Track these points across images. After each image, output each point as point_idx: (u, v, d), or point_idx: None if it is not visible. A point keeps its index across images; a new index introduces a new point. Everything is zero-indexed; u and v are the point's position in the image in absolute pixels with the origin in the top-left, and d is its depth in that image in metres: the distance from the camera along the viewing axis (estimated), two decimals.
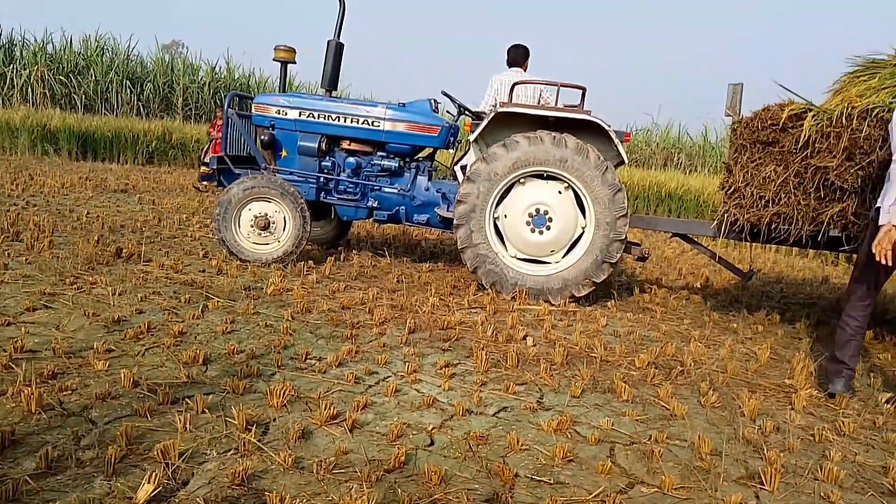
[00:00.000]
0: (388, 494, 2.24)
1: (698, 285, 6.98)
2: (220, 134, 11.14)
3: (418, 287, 5.56)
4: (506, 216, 5.55)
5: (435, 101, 6.52)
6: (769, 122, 4.75)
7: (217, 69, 24.64)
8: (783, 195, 4.72)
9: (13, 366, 2.96)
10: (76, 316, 3.82)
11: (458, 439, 2.76)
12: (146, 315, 3.98)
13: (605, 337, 4.58)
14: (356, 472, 2.37)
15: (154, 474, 2.09)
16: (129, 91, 22.50)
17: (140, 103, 22.43)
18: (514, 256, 5.58)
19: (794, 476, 2.73)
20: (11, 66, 22.03)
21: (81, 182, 10.61)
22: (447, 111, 6.75)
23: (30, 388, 2.65)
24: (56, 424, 2.49)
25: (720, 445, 2.94)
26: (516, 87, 6.12)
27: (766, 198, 4.77)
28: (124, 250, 5.57)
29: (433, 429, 2.84)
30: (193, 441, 2.45)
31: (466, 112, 6.53)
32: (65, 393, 2.75)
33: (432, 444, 2.71)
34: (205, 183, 11.37)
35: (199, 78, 24.21)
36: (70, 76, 22.26)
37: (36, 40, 23.12)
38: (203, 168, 11.65)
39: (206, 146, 12.10)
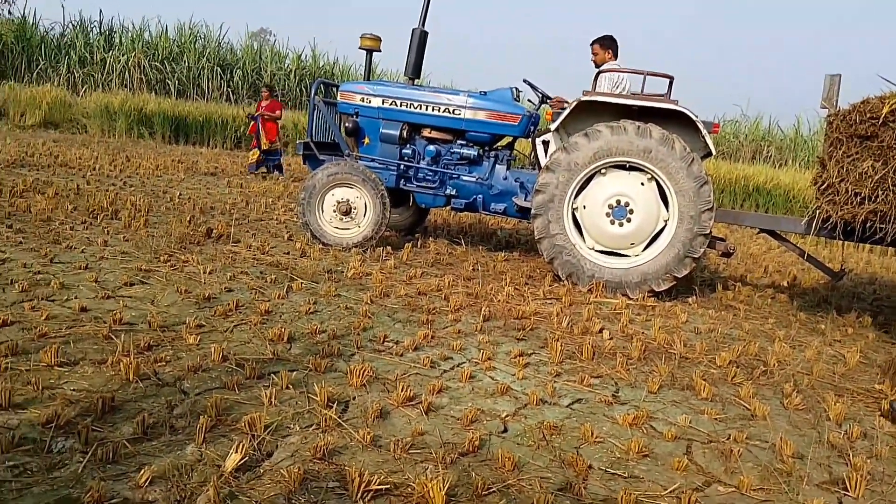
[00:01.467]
0: (463, 477, 2.27)
1: (785, 284, 6.71)
2: (260, 113, 11.39)
3: (493, 276, 5.58)
4: (585, 207, 5.49)
5: (517, 89, 6.50)
6: (868, 115, 4.50)
7: (303, 57, 25.25)
8: (881, 192, 4.48)
9: (113, 336, 3.16)
10: (170, 292, 4.03)
11: (531, 428, 2.77)
12: (235, 293, 4.16)
13: (684, 333, 4.48)
14: (431, 453, 2.42)
15: (241, 445, 2.19)
16: (219, 77, 23.34)
17: (230, 89, 23.26)
18: (592, 248, 5.52)
19: (880, 484, 2.61)
20: (111, 52, 23.24)
21: (174, 164, 11.11)
22: (528, 100, 6.71)
23: (128, 359, 2.82)
24: (151, 393, 2.65)
25: (803, 448, 2.84)
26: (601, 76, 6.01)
27: (863, 194, 4.53)
28: (214, 231, 5.82)
29: (507, 416, 2.86)
30: (278, 415, 2.55)
31: (548, 100, 6.47)
32: (159, 364, 2.92)
33: (506, 430, 2.74)
34: (261, 171, 11.52)
35: (286, 65, 24.88)
36: (165, 62, 23.29)
37: (134, 27, 24.29)
38: (253, 157, 11.61)
39: (251, 129, 12.02)
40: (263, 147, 11.57)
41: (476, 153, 6.31)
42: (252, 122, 11.87)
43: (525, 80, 6.57)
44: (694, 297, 5.57)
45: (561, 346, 3.76)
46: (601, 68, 6.09)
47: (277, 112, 11.80)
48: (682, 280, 5.41)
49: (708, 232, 5.24)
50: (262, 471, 2.18)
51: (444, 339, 3.80)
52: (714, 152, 5.63)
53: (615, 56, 6.29)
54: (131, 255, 4.80)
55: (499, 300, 4.73)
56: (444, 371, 3.32)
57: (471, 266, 5.77)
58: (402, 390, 2.87)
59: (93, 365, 2.83)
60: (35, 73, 22.36)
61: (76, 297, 3.69)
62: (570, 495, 2.27)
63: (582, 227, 5.53)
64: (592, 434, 2.72)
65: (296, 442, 2.39)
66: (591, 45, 6.35)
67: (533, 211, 5.55)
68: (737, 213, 6.40)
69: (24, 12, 24.59)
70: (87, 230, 5.41)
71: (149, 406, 2.52)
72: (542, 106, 6.60)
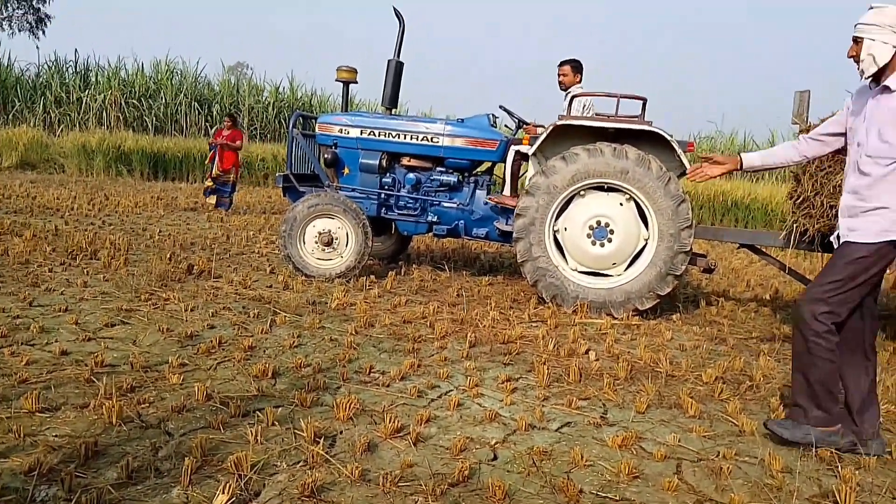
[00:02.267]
0: None
1: (767, 297, 6.77)
2: (218, 141, 10.99)
3: (478, 301, 5.58)
4: (566, 229, 5.52)
5: (493, 115, 6.57)
6: None
7: (281, 89, 25.35)
8: None
9: (94, 379, 3.11)
10: (151, 331, 3.99)
11: (521, 454, 2.76)
12: (217, 330, 4.13)
13: (670, 351, 4.50)
14: (421, 485, 2.40)
15: (228, 485, 2.16)
16: (197, 113, 23.35)
17: (207, 124, 23.25)
18: (575, 269, 5.55)
19: (870, 495, 2.62)
20: (87, 91, 23.19)
21: (153, 201, 11.06)
22: (505, 125, 6.78)
23: (110, 402, 2.78)
24: (135, 436, 2.61)
25: (792, 463, 2.85)
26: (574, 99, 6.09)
27: (837, 207, 4.60)
28: (195, 267, 5.79)
29: (496, 443, 2.85)
30: (264, 453, 2.52)
31: (524, 125, 6.55)
32: (143, 406, 2.88)
33: (495, 458, 2.72)
34: (208, 200, 11.02)
35: (264, 98, 24.96)
36: (142, 99, 23.27)
37: (110, 65, 24.27)
38: (209, 182, 11.06)
39: (210, 158, 11.22)
40: (214, 174, 10.87)
41: (456, 179, 6.35)
42: (210, 152, 11.18)
43: (501, 107, 6.65)
44: (678, 315, 5.61)
45: (548, 369, 3.76)
46: (572, 92, 6.19)
47: (238, 142, 11.18)
48: (666, 297, 5.44)
49: (688, 249, 5.29)
50: None
51: (430, 367, 3.78)
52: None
53: (581, 80, 6.40)
54: (112, 295, 4.75)
55: (484, 325, 4.73)
56: (432, 400, 3.30)
57: (455, 292, 5.77)
58: (389, 422, 2.85)
59: (75, 409, 2.79)
60: (11, 115, 22.24)
61: (56, 341, 3.64)
62: None
63: (564, 248, 5.56)
64: (582, 458, 2.71)
65: (283, 480, 2.36)
66: (561, 65, 6.43)
67: (515, 235, 5.58)
68: (716, 230, 6.48)
69: None
70: (66, 271, 5.36)
71: (133, 449, 2.48)
72: (519, 131, 6.67)
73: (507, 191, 6.21)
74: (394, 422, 2.86)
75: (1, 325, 3.76)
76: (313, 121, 6.98)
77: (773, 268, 7.68)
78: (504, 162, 6.47)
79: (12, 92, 23.35)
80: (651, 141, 5.49)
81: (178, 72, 24.84)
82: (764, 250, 5.82)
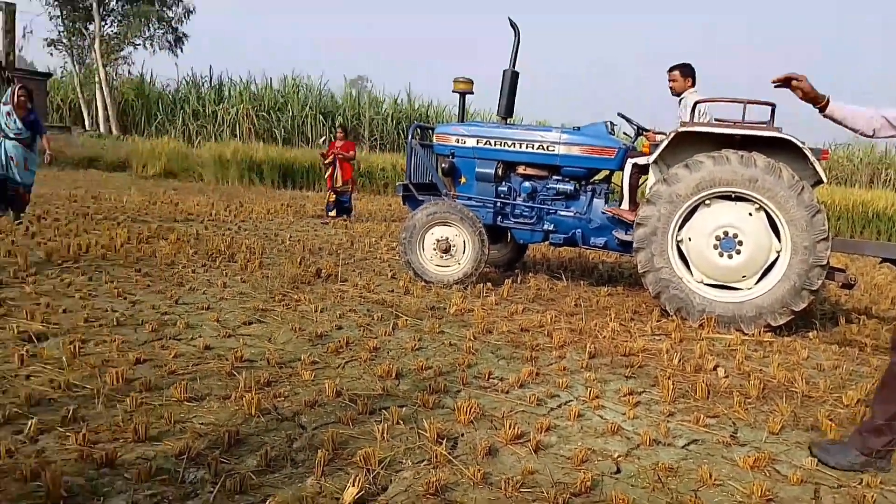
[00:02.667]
0: None
1: None
2: (337, 154, 11.02)
3: (597, 311, 5.50)
4: (690, 239, 5.34)
5: (611, 123, 6.46)
6: None
7: (399, 101, 26.07)
8: None
9: (235, 373, 3.33)
10: (285, 330, 4.22)
11: (645, 469, 2.70)
12: (344, 331, 4.31)
13: (806, 370, 4.25)
14: (543, 492, 2.40)
15: (357, 478, 2.26)
16: (321, 124, 24.43)
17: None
18: (701, 281, 5.35)
19: None
20: (221, 104, 24.83)
21: (283, 208, 11.66)
22: (624, 132, 6.65)
23: (249, 394, 2.98)
24: (272, 427, 2.77)
25: None
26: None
27: None
28: (323, 271, 6.06)
29: (619, 456, 2.80)
30: (391, 450, 2.61)
31: (644, 132, 6.40)
32: (278, 399, 3.06)
33: (618, 471, 2.68)
34: (331, 214, 11.06)
35: (384, 110, 25.75)
36: (270, 112, 24.64)
37: (241, 80, 25.87)
38: (331, 198, 11.11)
39: (329, 174, 11.24)
40: (336, 186, 11.04)
41: (573, 188, 6.30)
42: (330, 168, 11.15)
43: (620, 114, 6.53)
44: (815, 332, 5.28)
45: (673, 384, 3.66)
46: (686, 97, 5.97)
47: (351, 152, 11.42)
48: (801, 314, 5.14)
49: (825, 263, 4.97)
50: None
51: (549, 376, 3.77)
52: (825, 179, 5.38)
53: (693, 83, 6.14)
54: (248, 295, 5.06)
55: (604, 336, 4.66)
56: (552, 409, 3.29)
57: (573, 301, 5.71)
58: (509, 428, 2.88)
59: (218, 400, 3.00)
60: (154, 127, 24.18)
61: (200, 336, 3.92)
62: None
63: (688, 259, 5.38)
64: (711, 476, 2.62)
65: (409, 477, 2.44)
66: (670, 70, 6.21)
67: (635, 244, 5.46)
68: (857, 243, 6.06)
69: (142, 71, 26.73)
70: (207, 273, 5.76)
71: (270, 440, 2.64)
72: (638, 138, 6.53)
73: (625, 204, 6.08)
74: (514, 428, 2.88)
75: (152, 321, 4.09)
76: (431, 131, 7.14)
77: None
78: (622, 170, 6.36)
79: (155, 106, 25.41)
80: (781, 149, 5.21)
81: (304, 86, 26.10)
82: None
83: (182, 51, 26.94)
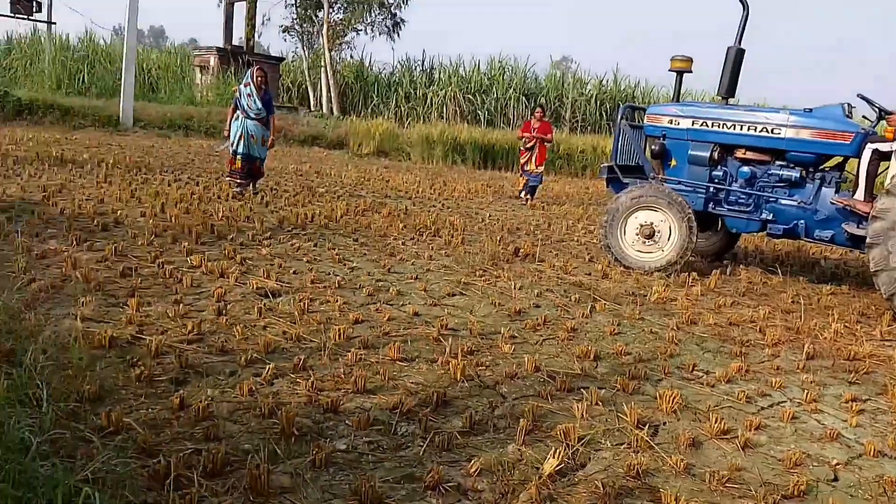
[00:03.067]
0: None
1: None
2: (537, 136, 10.65)
3: (817, 310, 5.05)
4: None
5: (849, 105, 5.83)
6: None
7: (604, 82, 25.48)
8: None
9: (441, 339, 3.53)
10: (485, 304, 4.38)
11: (868, 481, 2.48)
12: (542, 309, 4.37)
13: None
14: (750, 490, 2.30)
15: (557, 452, 2.31)
16: (524, 106, 24.60)
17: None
18: None
19: None
20: (431, 87, 25.86)
21: (483, 188, 11.97)
22: (864, 116, 5.98)
23: (454, 360, 3.14)
24: (475, 393, 2.91)
25: None
26: None
27: None
28: (521, 250, 6.16)
29: (837, 464, 2.59)
30: (590, 429, 2.64)
31: (887, 115, 5.70)
32: (480, 367, 3.20)
33: (836, 479, 2.48)
34: (525, 196, 10.85)
35: (587, 91, 25.32)
36: (476, 94, 25.25)
37: (451, 63, 26.73)
38: (523, 180, 10.97)
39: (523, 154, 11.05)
40: (528, 169, 10.83)
41: (798, 175, 5.79)
42: (527, 150, 10.86)
43: (860, 95, 5.87)
44: None
45: None
46: None
47: (549, 135, 11.06)
48: None
49: None
50: (576, 479, 2.27)
51: (760, 373, 3.56)
52: None
53: None
54: (451, 268, 5.30)
55: (825, 338, 4.28)
56: (762, 408, 3.11)
57: (790, 298, 5.30)
58: (714, 422, 2.77)
59: (426, 362, 3.20)
60: (370, 109, 25.81)
61: (409, 303, 4.19)
62: None
63: None
64: None
65: (608, 457, 2.45)
66: None
67: (869, 240, 4.92)
68: None
69: (361, 56, 28.57)
70: (415, 245, 6.10)
71: (473, 404, 2.78)
72: (880, 122, 5.83)
73: (859, 194, 5.47)
74: (720, 423, 2.77)
75: (368, 286, 4.44)
76: (641, 112, 6.92)
77: None
78: (858, 158, 5.73)
79: (371, 89, 27.08)
80: None
81: (510, 68, 26.38)
82: None
83: (399, 36, 28.39)
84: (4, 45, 23.90)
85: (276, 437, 2.31)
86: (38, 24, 23.11)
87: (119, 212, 5.88)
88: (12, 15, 22.05)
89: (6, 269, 3.80)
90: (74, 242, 4.62)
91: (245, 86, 8.29)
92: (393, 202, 8.83)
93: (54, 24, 22.56)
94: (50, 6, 22.20)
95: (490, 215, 8.55)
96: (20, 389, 2.31)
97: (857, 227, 5.40)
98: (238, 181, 8.21)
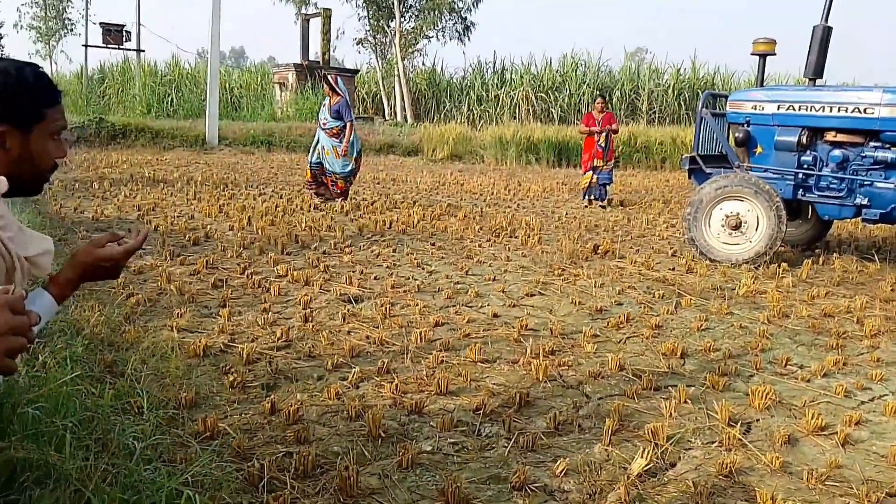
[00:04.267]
0: None
1: None
2: (603, 128, 9.64)
3: None
4: None
5: None
6: None
7: (682, 71, 24.77)
8: None
9: (521, 340, 3.53)
10: (565, 303, 4.34)
11: None
12: (624, 307, 4.30)
13: None
14: (851, 488, 2.19)
15: (646, 451, 2.27)
16: None
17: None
18: None
19: None
20: (503, 88, 25.80)
21: (559, 186, 11.85)
22: None
23: (536, 360, 3.14)
24: (558, 393, 2.90)
25: None
26: None
27: None
28: (600, 247, 6.07)
29: None
30: (678, 427, 2.58)
31: None
32: (562, 367, 3.18)
33: None
34: (588, 198, 9.72)
35: (664, 81, 24.67)
36: (548, 92, 25.02)
37: (522, 63, 26.61)
38: (585, 180, 9.83)
39: (589, 149, 9.94)
40: (598, 166, 9.71)
41: (894, 155, 5.47)
42: (595, 149, 9.79)
43: None
44: None
45: None
46: None
47: (614, 125, 10.07)
48: None
49: None
50: (666, 479, 2.23)
51: (859, 366, 3.39)
52: None
53: None
54: (529, 269, 5.28)
55: None
56: (862, 402, 2.96)
57: (889, 286, 5.01)
58: (811, 418, 2.66)
59: (507, 363, 3.21)
60: (442, 114, 25.99)
61: (489, 305, 4.21)
62: None
63: None
64: None
65: (699, 456, 2.39)
66: None
67: None
68: None
69: (433, 62, 28.80)
70: (491, 247, 6.12)
71: (557, 404, 2.76)
72: None
73: None
74: (816, 418, 2.66)
75: (447, 289, 4.48)
76: (723, 99, 6.70)
77: None
78: None
79: (444, 94, 27.26)
80: None
81: (583, 63, 26.03)
82: None
83: (469, 39, 28.45)
84: (98, 75, 25.39)
85: (364, 440, 2.37)
86: (128, 52, 24.54)
87: (208, 226, 6.16)
88: (104, 45, 23.48)
89: (107, 286, 4.04)
90: (168, 257, 4.87)
91: (325, 96, 8.55)
92: (468, 205, 8.87)
93: (143, 51, 23.89)
94: (139, 35, 23.55)
95: (566, 213, 8.46)
96: (123, 398, 2.46)
97: None
98: (315, 191, 8.40)
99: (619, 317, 4.00)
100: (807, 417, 2.68)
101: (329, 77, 8.53)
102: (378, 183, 11.34)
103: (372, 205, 8.31)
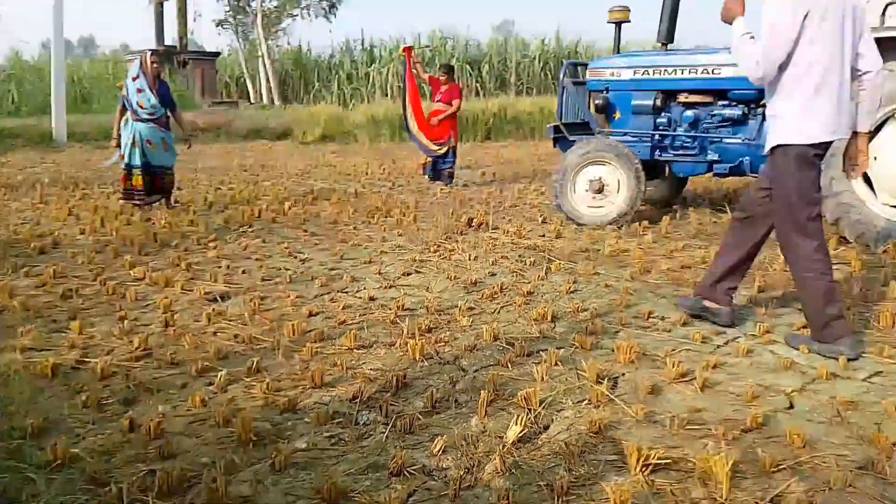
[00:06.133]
0: (748, 454, 2.16)
1: None
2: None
3: (767, 243, 5.12)
4: (875, 158, 4.80)
5: None
6: None
7: (546, 42, 25.42)
8: None
9: (398, 321, 3.50)
10: (441, 279, 4.35)
11: (822, 404, 2.54)
12: (498, 277, 4.37)
13: None
14: (711, 429, 2.33)
15: (520, 418, 2.31)
16: (468, 74, 24.42)
17: (478, 84, 24.24)
18: (886, 204, 4.83)
19: None
20: (373, 65, 25.51)
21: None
22: None
23: (413, 341, 3.11)
24: (435, 371, 2.89)
25: None
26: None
27: None
28: (474, 220, 6.14)
29: (793, 391, 2.65)
30: (550, 391, 2.64)
31: None
32: (439, 344, 3.17)
33: (792, 407, 2.54)
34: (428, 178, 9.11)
35: (531, 52, 25.23)
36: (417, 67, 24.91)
37: (391, 39, 26.38)
38: (424, 160, 9.26)
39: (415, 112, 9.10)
40: (423, 142, 8.94)
41: (741, 112, 5.85)
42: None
43: None
44: None
45: (853, 315, 3.38)
46: None
47: (455, 102, 9.01)
48: None
49: None
50: (540, 443, 2.28)
51: None
52: None
53: None
54: (405, 248, 5.25)
55: (775, 269, 4.37)
56: (718, 346, 3.16)
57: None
58: (673, 367, 2.80)
59: (384, 347, 3.17)
60: (311, 95, 25.39)
61: (365, 289, 4.15)
62: (873, 473, 2.05)
63: (872, 181, 4.87)
64: None
65: (570, 416, 2.46)
66: None
67: None
68: None
69: (299, 42, 28.02)
70: (367, 229, 6.04)
71: (434, 382, 2.76)
72: None
73: None
74: (677, 367, 2.80)
75: (321, 276, 4.37)
76: (584, 68, 6.90)
77: None
78: None
79: (312, 74, 26.62)
80: None
81: (452, 37, 26.11)
82: None
83: (335, 16, 27.80)
84: None
85: (234, 446, 2.26)
86: None
87: (57, 232, 5.68)
88: None
89: None
90: (10, 270, 4.45)
91: (134, 79, 6.64)
92: (342, 187, 8.72)
93: None
94: None
95: (442, 189, 8.49)
96: None
97: None
98: (137, 202, 6.69)
99: (493, 287, 4.05)
100: (669, 367, 2.81)
101: (149, 55, 6.86)
102: (246, 170, 10.91)
103: (239, 194, 7.98)
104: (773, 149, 3.04)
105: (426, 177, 9.25)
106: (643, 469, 2.06)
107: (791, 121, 2.95)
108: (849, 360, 2.89)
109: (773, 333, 3.26)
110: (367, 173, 10.41)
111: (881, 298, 3.75)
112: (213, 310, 3.67)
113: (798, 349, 3.03)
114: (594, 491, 1.98)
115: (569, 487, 1.98)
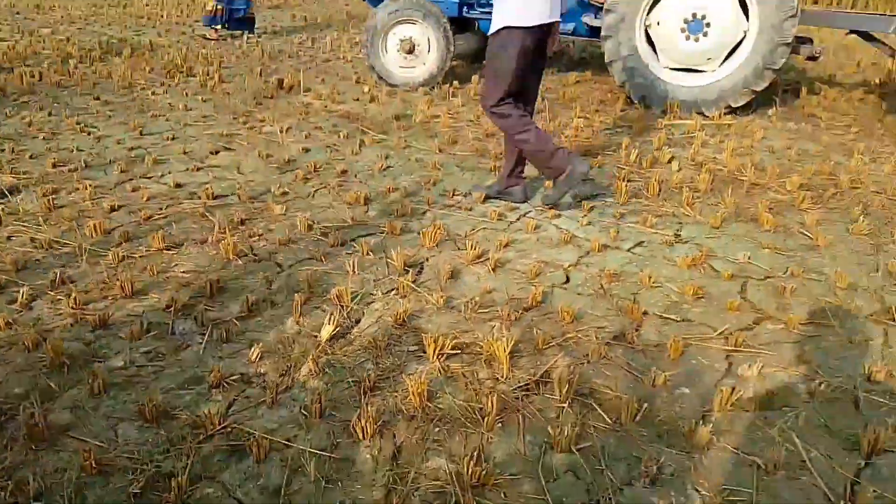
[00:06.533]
0: (526, 333, 2.53)
1: (877, 81, 6.29)
2: None
3: (563, 104, 5.52)
4: (658, 24, 5.22)
5: None
6: None
7: None
8: None
9: (208, 214, 3.48)
10: (252, 157, 4.30)
11: (592, 276, 2.97)
12: (312, 154, 4.39)
13: (758, 155, 4.42)
14: (498, 311, 2.67)
15: (332, 316, 2.51)
16: None
17: None
18: (666, 67, 5.33)
19: None
20: None
21: None
22: None
23: (225, 238, 3.14)
24: (251, 269, 2.98)
25: (859, 279, 2.93)
26: None
27: None
28: (285, 81, 5.94)
29: (569, 266, 3.05)
30: (362, 284, 2.85)
31: None
32: (253, 239, 3.23)
33: (567, 281, 2.94)
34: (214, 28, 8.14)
35: None
36: None
37: None
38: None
39: None
40: None
41: None
42: None
43: None
44: (774, 108, 5.38)
45: (627, 185, 3.84)
46: None
47: None
48: (763, 91, 5.20)
49: (790, 41, 4.93)
50: (352, 337, 2.51)
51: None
52: None
53: None
54: (212, 118, 5.04)
55: (567, 135, 4.75)
56: (511, 223, 3.50)
57: (541, 95, 5.69)
58: (471, 248, 3.09)
59: (196, 245, 3.17)
60: None
61: (170, 173, 4.01)
62: (624, 343, 2.50)
63: (655, 45, 5.31)
64: (650, 279, 2.89)
65: (379, 308, 2.70)
66: None
67: (603, 32, 5.34)
68: (826, 14, 5.90)
69: None
70: (167, 94, 5.66)
71: (250, 283, 2.85)
72: None
73: None
74: (475, 248, 3.09)
75: (120, 160, 4.14)
76: None
77: None
78: None
79: None
80: None
81: None
82: (877, 37, 5.32)
83: None
84: None
85: (48, 371, 2.27)
86: None
87: None
88: None
89: None
90: None
91: None
92: (135, 37, 7.92)
93: None
94: None
95: (248, 36, 7.98)
96: None
97: (595, 18, 5.80)
98: None
99: (307, 166, 4.09)
100: (468, 248, 3.10)
101: None
102: (18, 13, 9.48)
103: (12, 49, 7.02)
104: (499, 30, 3.37)
105: (213, 29, 8.01)
106: (440, 356, 2.37)
107: (513, 5, 3.32)
108: (584, 179, 3.51)
109: (558, 207, 3.65)
110: (162, 16, 9.46)
111: (653, 164, 4.26)
112: (3, 209, 3.41)
113: (556, 208, 3.60)
114: (397, 382, 2.27)
115: (375, 382, 2.24)
